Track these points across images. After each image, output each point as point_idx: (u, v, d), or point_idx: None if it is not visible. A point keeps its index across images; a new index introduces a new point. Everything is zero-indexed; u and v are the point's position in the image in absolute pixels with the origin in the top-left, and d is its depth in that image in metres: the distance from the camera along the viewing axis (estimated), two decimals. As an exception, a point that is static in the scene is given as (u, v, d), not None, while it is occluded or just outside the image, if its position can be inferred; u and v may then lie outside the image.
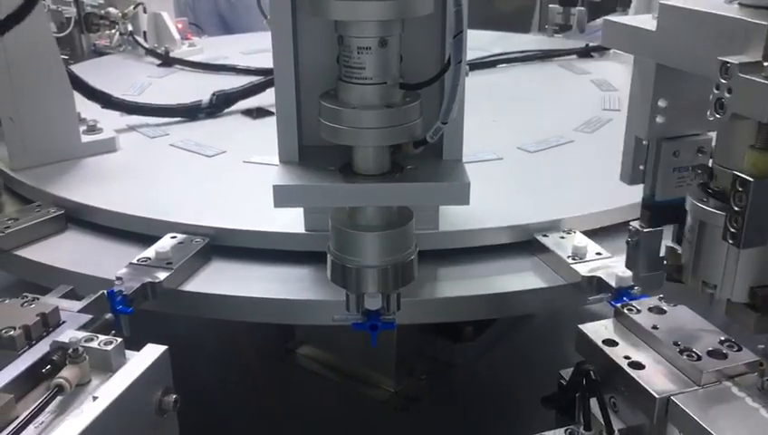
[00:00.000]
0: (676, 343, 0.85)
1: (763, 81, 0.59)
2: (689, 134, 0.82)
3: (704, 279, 0.78)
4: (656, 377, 0.81)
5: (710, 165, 0.74)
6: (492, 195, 1.25)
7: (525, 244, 1.18)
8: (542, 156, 1.52)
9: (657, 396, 0.78)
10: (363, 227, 0.93)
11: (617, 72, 2.18)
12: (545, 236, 1.17)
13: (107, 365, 0.75)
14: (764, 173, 0.64)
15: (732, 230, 0.67)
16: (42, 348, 0.79)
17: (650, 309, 0.92)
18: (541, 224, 1.19)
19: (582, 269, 1.08)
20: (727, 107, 0.63)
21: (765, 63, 0.60)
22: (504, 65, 2.29)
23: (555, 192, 1.33)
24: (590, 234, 1.18)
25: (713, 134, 0.79)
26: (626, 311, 0.92)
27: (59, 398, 0.70)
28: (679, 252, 0.82)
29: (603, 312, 1.02)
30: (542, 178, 1.42)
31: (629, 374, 0.82)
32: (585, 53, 2.37)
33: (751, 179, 0.64)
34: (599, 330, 0.91)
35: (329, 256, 0.96)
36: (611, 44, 0.85)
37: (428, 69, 0.92)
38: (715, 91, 0.63)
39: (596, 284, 1.06)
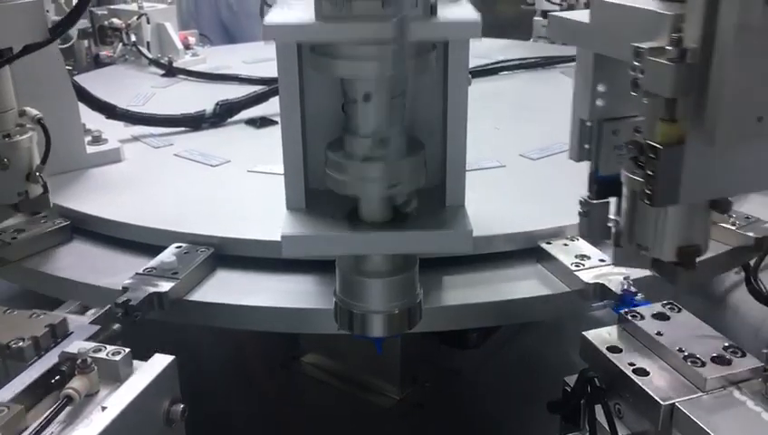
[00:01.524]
0: (680, 350, 0.85)
1: (665, 62, 0.69)
2: (627, 116, 0.90)
3: (638, 242, 0.86)
4: (660, 383, 0.82)
5: (640, 141, 0.81)
6: (495, 203, 1.25)
7: (529, 251, 1.18)
8: (544, 163, 1.53)
9: (661, 403, 0.79)
10: (369, 273, 0.93)
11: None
12: (549, 243, 1.17)
13: (115, 375, 0.76)
14: (671, 140, 0.73)
15: (648, 192, 0.75)
16: (51, 359, 0.79)
17: (654, 316, 0.92)
18: (544, 231, 1.19)
19: (586, 276, 1.08)
20: (640, 85, 0.72)
21: (668, 48, 0.69)
22: (506, 72, 2.30)
23: (558, 199, 1.32)
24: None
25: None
26: (630, 317, 0.92)
27: (68, 408, 0.71)
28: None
29: (607, 319, 1.02)
30: (544, 185, 1.42)
31: (634, 381, 0.83)
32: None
33: (660, 147, 0.73)
34: (603, 337, 0.91)
35: (335, 300, 0.97)
36: (556, 37, 0.97)
37: (432, 120, 0.93)
38: (631, 73, 0.73)
39: (600, 291, 1.06)
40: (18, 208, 1.26)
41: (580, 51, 0.90)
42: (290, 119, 0.91)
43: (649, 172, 0.75)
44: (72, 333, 0.86)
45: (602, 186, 0.92)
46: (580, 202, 0.95)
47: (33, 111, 1.25)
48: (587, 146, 0.92)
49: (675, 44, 0.69)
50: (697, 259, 0.85)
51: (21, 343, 0.81)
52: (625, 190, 0.86)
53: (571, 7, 2.61)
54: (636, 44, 0.72)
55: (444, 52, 0.88)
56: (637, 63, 0.72)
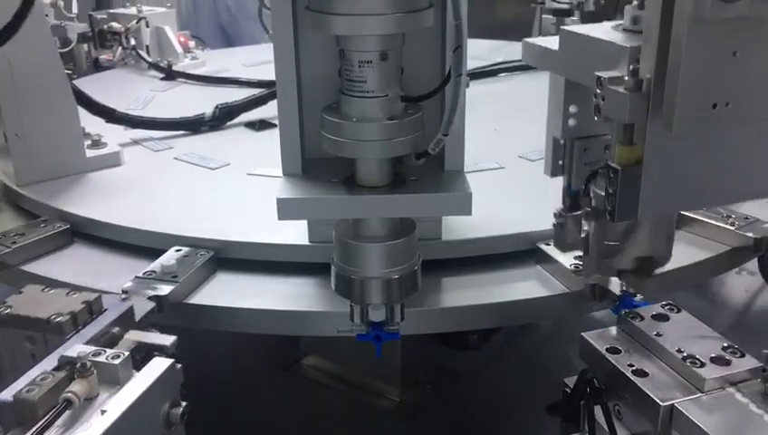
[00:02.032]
0: (679, 350, 0.85)
1: (622, 91, 0.75)
2: (597, 134, 0.96)
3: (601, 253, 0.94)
4: (659, 384, 0.82)
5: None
6: (494, 204, 1.26)
7: (528, 252, 1.19)
8: (543, 164, 1.52)
9: (661, 403, 0.79)
10: (367, 238, 0.94)
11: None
12: (548, 244, 1.17)
13: (114, 379, 0.76)
14: (629, 162, 0.79)
15: (609, 208, 0.81)
16: (90, 331, 0.84)
17: (653, 316, 0.92)
18: (543, 232, 1.19)
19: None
20: (602, 111, 0.77)
21: (626, 78, 0.75)
22: (505, 74, 2.30)
23: (557, 200, 1.33)
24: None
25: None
26: (629, 318, 0.92)
27: (68, 412, 0.71)
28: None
29: (607, 319, 1.02)
30: (544, 186, 1.41)
31: (633, 382, 0.83)
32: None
33: (618, 168, 0.79)
34: (602, 337, 0.91)
35: (333, 267, 0.97)
36: (528, 61, 1.00)
37: (429, 81, 0.93)
38: (593, 99, 0.78)
39: (599, 292, 1.06)
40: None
41: (552, 74, 0.95)
42: (286, 82, 0.91)
43: (610, 190, 0.80)
44: (106, 310, 0.90)
45: (575, 199, 0.98)
46: (555, 214, 1.01)
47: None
48: (560, 162, 0.99)
49: (632, 75, 0.74)
50: (657, 269, 0.92)
51: (60, 318, 0.85)
52: (593, 204, 0.93)
53: (580, 5, 2.60)
54: (597, 73, 0.77)
55: (442, 7, 0.88)
56: (599, 91, 0.77)
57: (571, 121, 0.95)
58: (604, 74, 0.76)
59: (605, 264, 0.94)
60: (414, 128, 0.90)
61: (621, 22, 0.85)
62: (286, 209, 0.92)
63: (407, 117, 0.89)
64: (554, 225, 1.01)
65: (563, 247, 1.03)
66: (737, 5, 0.67)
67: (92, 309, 0.89)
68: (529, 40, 0.99)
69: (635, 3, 0.83)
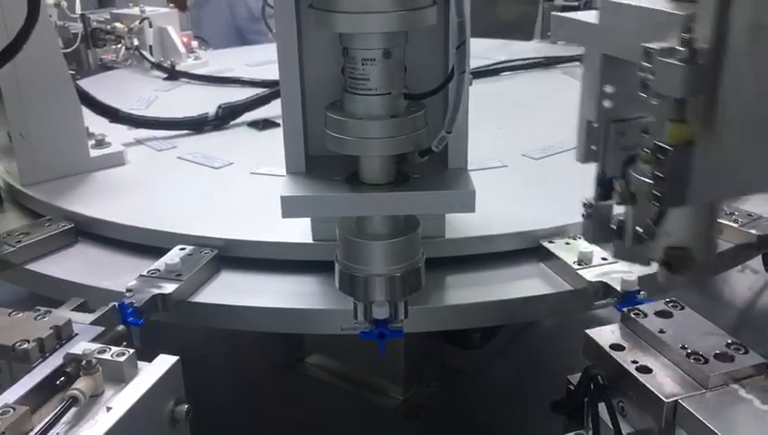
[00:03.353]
0: (683, 347, 0.85)
1: (676, 63, 0.67)
2: (634, 117, 0.88)
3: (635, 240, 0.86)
4: (663, 381, 0.82)
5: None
6: (497, 202, 1.26)
7: (532, 250, 1.19)
8: (546, 162, 1.53)
9: (665, 400, 0.79)
10: (370, 235, 0.94)
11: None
12: (551, 242, 1.17)
13: (120, 376, 0.76)
14: (680, 142, 0.72)
15: (656, 193, 0.74)
16: (56, 360, 0.80)
17: (657, 313, 0.92)
18: (546, 230, 1.19)
19: (588, 275, 1.08)
20: (650, 87, 0.71)
21: (679, 48, 0.68)
22: (507, 73, 2.30)
23: (560, 198, 1.32)
24: (596, 239, 1.18)
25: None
26: (632, 315, 0.92)
27: (73, 409, 0.71)
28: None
29: (611, 317, 1.02)
30: (546, 184, 1.42)
31: (637, 378, 0.83)
32: (588, 59, 2.38)
33: (669, 148, 0.72)
34: (606, 334, 0.91)
35: (337, 265, 0.97)
36: (561, 38, 0.93)
37: (432, 79, 0.93)
38: (640, 74, 0.71)
39: (602, 289, 1.06)
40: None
41: (588, 52, 0.88)
42: (289, 80, 0.92)
43: (658, 174, 0.74)
44: (77, 334, 0.86)
45: (608, 187, 0.90)
46: (584, 204, 0.94)
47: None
48: (593, 147, 0.91)
49: (685, 45, 0.68)
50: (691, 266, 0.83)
51: (26, 345, 0.81)
52: (632, 190, 0.84)
53: (589, 2, 2.60)
54: (646, 45, 0.71)
55: (444, 7, 0.88)
56: (646, 64, 0.70)
57: (607, 103, 0.88)
58: (653, 45, 0.69)
59: (637, 252, 0.87)
60: (417, 125, 0.90)
61: None
62: (290, 207, 0.92)
63: (410, 114, 0.89)
64: (583, 215, 0.94)
65: (593, 241, 0.97)
66: None
67: (61, 334, 0.85)
68: (561, 14, 0.93)
69: None
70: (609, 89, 0.87)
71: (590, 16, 0.85)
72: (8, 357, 0.83)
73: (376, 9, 0.81)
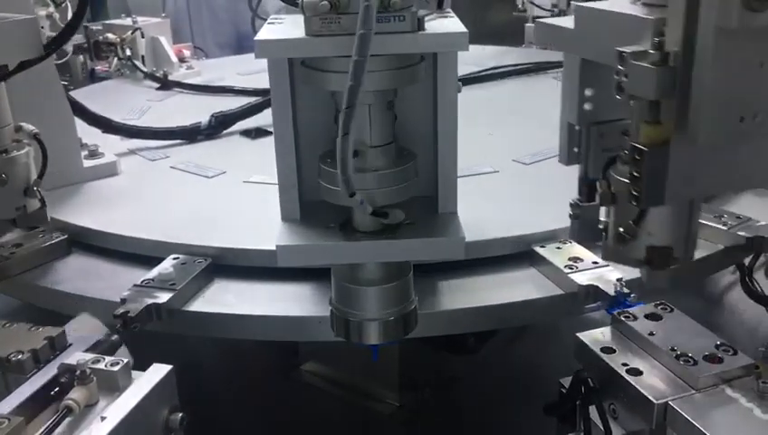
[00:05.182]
0: (672, 349, 0.86)
1: (648, 66, 0.70)
2: (614, 119, 0.91)
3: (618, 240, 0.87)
4: (654, 383, 0.83)
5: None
6: (489, 207, 1.27)
7: (523, 255, 1.20)
8: (537, 167, 1.54)
9: (655, 402, 0.80)
10: (364, 281, 0.94)
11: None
12: (542, 246, 1.18)
13: (114, 386, 0.76)
14: (655, 142, 0.74)
15: (634, 193, 0.77)
16: (50, 371, 0.80)
17: (647, 316, 0.93)
18: (538, 235, 1.20)
19: (580, 278, 1.09)
20: (625, 89, 0.73)
21: (651, 51, 0.71)
22: (498, 79, 2.32)
23: (551, 203, 1.33)
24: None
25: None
26: (623, 318, 0.93)
27: (68, 419, 0.71)
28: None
29: (604, 320, 1.03)
30: (538, 189, 1.43)
31: (628, 381, 0.84)
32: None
33: (645, 148, 0.74)
34: (596, 338, 0.92)
35: (331, 308, 0.98)
36: (542, 42, 0.96)
37: (423, 130, 0.95)
38: (615, 77, 0.73)
39: (593, 292, 1.07)
40: (16, 223, 1.27)
41: (567, 56, 0.91)
42: (283, 132, 0.92)
43: (635, 174, 0.76)
44: (71, 344, 0.87)
45: (592, 188, 0.93)
46: (571, 205, 0.96)
47: (30, 127, 1.26)
48: (576, 149, 0.94)
49: (657, 48, 0.71)
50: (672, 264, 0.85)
51: (20, 356, 0.82)
52: (612, 191, 0.86)
53: (562, 13, 2.62)
54: (619, 49, 0.73)
55: (433, 63, 0.89)
56: (620, 67, 0.73)
57: (587, 106, 0.90)
58: (626, 49, 0.72)
59: (622, 252, 0.88)
60: (408, 176, 0.91)
61: None
62: (286, 255, 0.93)
63: (400, 165, 0.90)
64: (570, 216, 0.96)
65: (580, 241, 1.00)
66: (765, 15, 0.64)
67: (55, 345, 0.85)
68: (542, 20, 0.96)
69: None
70: (588, 92, 0.90)
71: (568, 22, 0.88)
72: (3, 368, 0.83)
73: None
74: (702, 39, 0.68)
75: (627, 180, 0.78)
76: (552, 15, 2.65)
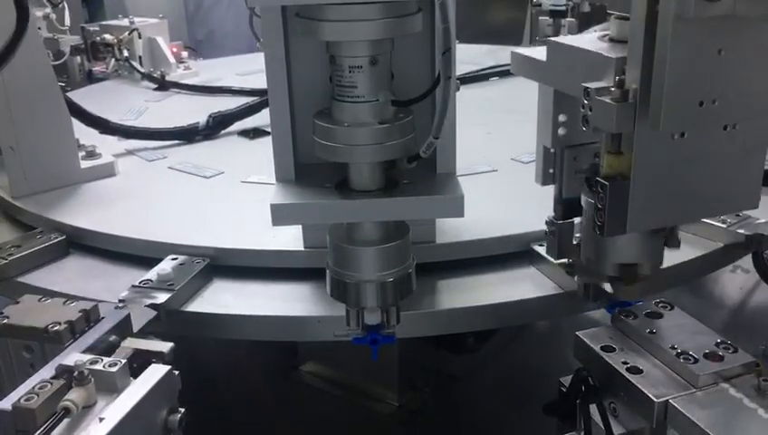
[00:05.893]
0: (672, 347, 0.86)
1: (609, 101, 0.75)
2: (587, 142, 0.97)
3: (588, 257, 0.96)
4: (654, 381, 0.83)
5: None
6: (488, 206, 1.26)
7: (522, 254, 1.19)
8: (534, 172, 1.53)
9: (655, 400, 0.80)
10: (361, 242, 0.94)
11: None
12: (541, 245, 1.18)
13: (112, 387, 0.76)
14: (617, 172, 0.80)
15: (598, 223, 0.82)
16: (86, 340, 0.84)
17: (647, 314, 0.93)
18: (537, 233, 1.19)
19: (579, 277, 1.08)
20: (589, 121, 0.78)
21: (612, 88, 0.76)
22: (496, 78, 2.31)
23: (550, 201, 1.33)
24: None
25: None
26: (623, 317, 0.93)
27: (66, 420, 0.71)
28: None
29: (604, 319, 1.03)
30: (536, 188, 1.42)
31: (628, 379, 0.84)
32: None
33: (606, 183, 0.80)
34: (597, 336, 0.92)
35: (328, 271, 0.98)
36: (517, 72, 1.01)
37: (419, 85, 0.94)
38: (581, 110, 0.79)
39: (593, 291, 1.06)
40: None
41: (542, 84, 0.96)
42: (277, 89, 0.92)
43: (599, 206, 0.81)
44: (103, 318, 0.90)
45: (566, 207, 0.99)
46: (547, 222, 1.01)
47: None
48: (551, 171, 1.00)
49: (618, 86, 0.75)
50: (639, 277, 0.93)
51: (58, 327, 0.86)
52: (584, 211, 0.94)
53: (576, 6, 2.61)
54: (585, 84, 0.78)
55: (430, 14, 0.89)
56: (586, 101, 0.78)
57: (561, 130, 0.96)
58: (591, 85, 0.77)
59: (594, 269, 0.95)
60: (405, 132, 0.91)
61: (608, 31, 0.86)
62: (280, 215, 0.93)
63: (398, 121, 0.90)
64: (546, 233, 1.02)
65: (556, 256, 1.05)
66: (720, 4, 0.68)
67: (90, 317, 0.89)
68: (517, 50, 1.00)
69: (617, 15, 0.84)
70: (562, 117, 0.96)
71: (540, 53, 0.93)
72: (42, 338, 0.87)
73: (362, 17, 0.82)
74: (662, 28, 0.71)
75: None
76: (566, 9, 2.63)
